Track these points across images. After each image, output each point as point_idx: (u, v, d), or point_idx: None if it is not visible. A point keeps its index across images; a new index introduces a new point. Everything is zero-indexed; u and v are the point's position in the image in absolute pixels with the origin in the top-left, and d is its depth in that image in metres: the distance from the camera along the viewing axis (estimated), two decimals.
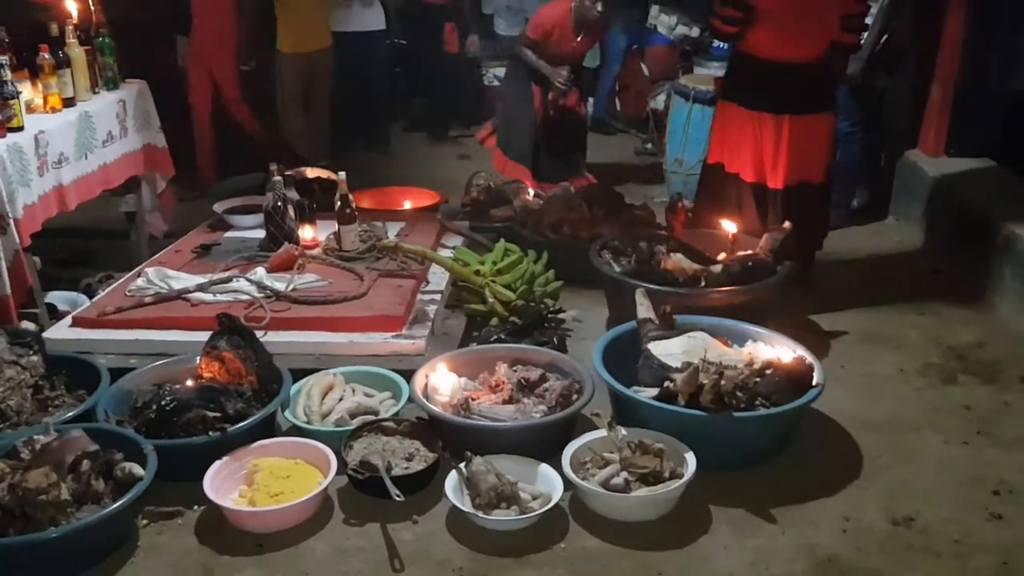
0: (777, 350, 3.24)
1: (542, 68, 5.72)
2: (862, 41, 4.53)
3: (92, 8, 4.41)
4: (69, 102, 4.09)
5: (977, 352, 3.87)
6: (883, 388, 3.58)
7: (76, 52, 4.14)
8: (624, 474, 2.75)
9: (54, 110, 4.02)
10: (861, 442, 3.19)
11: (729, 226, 4.19)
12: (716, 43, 6.76)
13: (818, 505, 2.84)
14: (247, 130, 6.30)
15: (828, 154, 4.29)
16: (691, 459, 2.79)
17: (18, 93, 3.72)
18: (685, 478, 2.74)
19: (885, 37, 5.05)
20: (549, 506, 2.69)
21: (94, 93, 4.32)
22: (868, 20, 4.81)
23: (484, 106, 8.23)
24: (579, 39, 5.73)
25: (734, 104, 4.28)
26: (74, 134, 4.04)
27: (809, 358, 3.15)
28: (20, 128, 3.71)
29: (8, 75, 3.69)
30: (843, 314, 4.20)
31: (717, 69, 6.21)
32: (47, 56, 3.98)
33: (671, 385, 2.95)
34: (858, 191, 5.59)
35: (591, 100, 8.21)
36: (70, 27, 4.13)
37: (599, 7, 5.54)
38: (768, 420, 2.95)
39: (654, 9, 7.51)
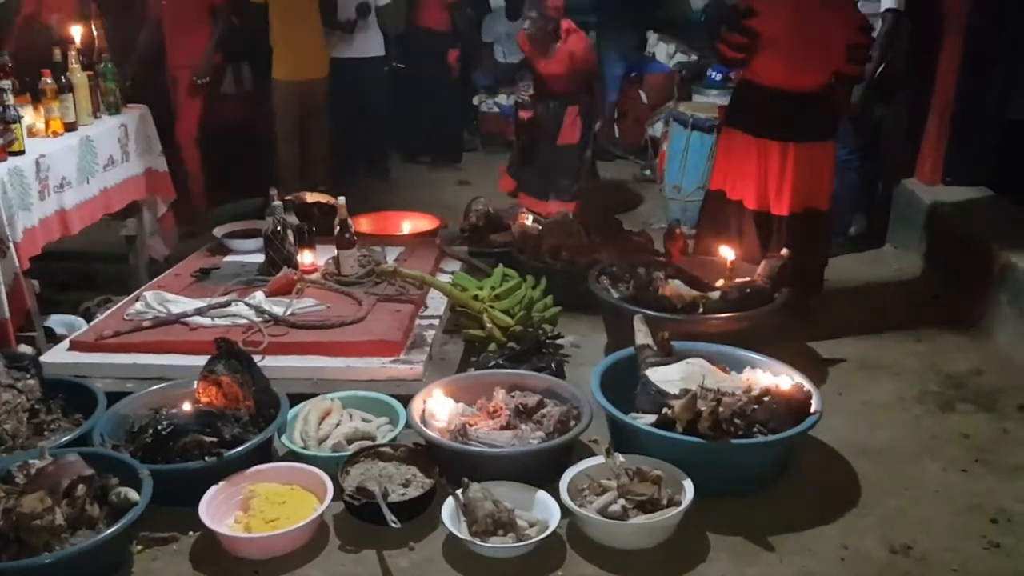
0: (775, 377, 3.24)
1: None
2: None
3: (95, 34, 4.44)
4: (71, 126, 4.11)
5: (975, 380, 3.86)
6: (881, 416, 3.58)
7: (78, 77, 4.17)
8: (622, 501, 2.74)
9: (56, 134, 4.03)
10: (859, 470, 3.18)
11: (727, 253, 4.20)
12: (711, 73, 6.80)
13: (816, 533, 2.83)
14: (190, 176, 6.13)
15: (832, 182, 4.33)
16: (689, 486, 2.78)
17: (20, 117, 3.75)
18: (683, 505, 2.73)
19: (883, 66, 5.09)
20: (546, 533, 2.67)
21: (96, 118, 4.34)
22: None
23: (480, 132, 8.29)
24: (544, 60, 5.62)
25: (739, 131, 4.30)
26: (76, 158, 4.06)
27: (807, 385, 3.15)
28: (21, 152, 3.72)
29: (10, 99, 3.72)
30: (841, 341, 4.20)
31: (716, 97, 6.27)
32: (49, 81, 4.00)
33: (669, 412, 2.95)
34: (855, 218, 5.61)
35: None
36: (73, 52, 4.16)
37: (525, 24, 5.55)
38: (766, 447, 2.95)
39: (652, 37, 7.59)
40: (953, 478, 3.15)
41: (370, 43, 6.70)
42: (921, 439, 3.41)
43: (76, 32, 4.36)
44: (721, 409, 2.88)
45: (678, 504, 2.74)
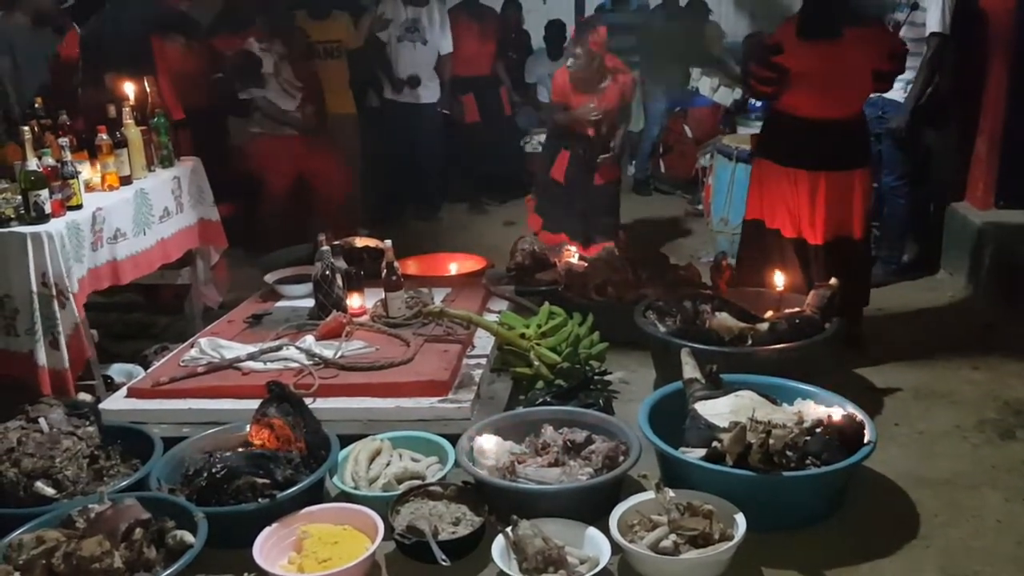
0: (827, 408, 3.19)
1: (572, 121, 5.66)
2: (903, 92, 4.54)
3: (148, 91, 4.59)
4: (126, 180, 4.21)
5: None
6: (939, 445, 3.50)
7: (133, 132, 4.28)
8: (673, 537, 2.71)
9: (111, 188, 4.14)
10: (917, 501, 3.12)
11: (775, 283, 4.17)
12: (752, 102, 6.82)
13: (873, 567, 2.77)
14: None
15: (865, 210, 4.26)
16: (741, 521, 2.74)
17: (78, 173, 3.87)
18: (735, 540, 2.69)
19: (930, 90, 5.04)
20: (597, 570, 2.65)
21: (150, 171, 4.45)
22: (911, 74, 4.84)
23: (526, 173, 8.34)
24: (590, 98, 5.59)
25: (769, 161, 4.30)
26: (131, 210, 4.16)
27: (860, 415, 3.10)
28: (79, 206, 3.84)
29: (68, 156, 3.84)
30: (896, 370, 4.13)
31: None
32: (105, 137, 4.13)
33: (719, 445, 2.92)
34: (908, 245, 5.53)
35: (633, 162, 8.33)
36: (127, 109, 4.30)
37: (568, 62, 5.57)
38: (819, 479, 2.91)
39: (695, 72, 7.61)
40: (1016, 508, 3.07)
41: (424, 89, 6.87)
42: (981, 468, 3.33)
43: (129, 89, 4.50)
44: (772, 441, 2.84)
45: (730, 539, 2.71)
